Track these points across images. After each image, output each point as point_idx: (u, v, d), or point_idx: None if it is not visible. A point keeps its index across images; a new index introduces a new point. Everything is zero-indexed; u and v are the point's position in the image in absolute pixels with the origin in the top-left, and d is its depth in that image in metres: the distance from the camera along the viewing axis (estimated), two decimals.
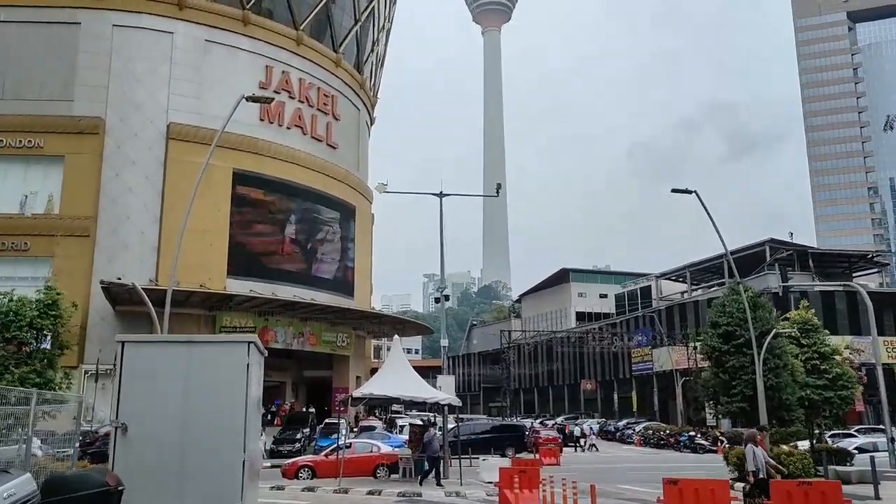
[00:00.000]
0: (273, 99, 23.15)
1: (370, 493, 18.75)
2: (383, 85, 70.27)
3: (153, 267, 43.47)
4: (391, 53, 74.49)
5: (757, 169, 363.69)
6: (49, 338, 20.31)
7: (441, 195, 24.47)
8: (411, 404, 71.28)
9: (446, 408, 22.07)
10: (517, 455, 33.29)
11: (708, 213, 23.14)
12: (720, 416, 33.24)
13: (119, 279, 40.88)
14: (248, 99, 21.28)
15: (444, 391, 21.69)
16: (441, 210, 24.24)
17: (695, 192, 22.98)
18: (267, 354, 10.42)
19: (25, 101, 43.20)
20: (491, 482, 21.97)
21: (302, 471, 23.26)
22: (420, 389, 20.86)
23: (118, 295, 41.18)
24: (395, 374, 20.72)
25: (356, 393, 20.83)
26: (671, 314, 62.75)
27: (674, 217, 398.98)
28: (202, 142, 45.54)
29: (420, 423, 30.39)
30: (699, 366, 52.46)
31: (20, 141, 42.74)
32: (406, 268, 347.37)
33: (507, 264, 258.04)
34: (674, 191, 22.82)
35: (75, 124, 43.08)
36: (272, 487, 20.16)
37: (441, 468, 19.46)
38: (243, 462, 8.74)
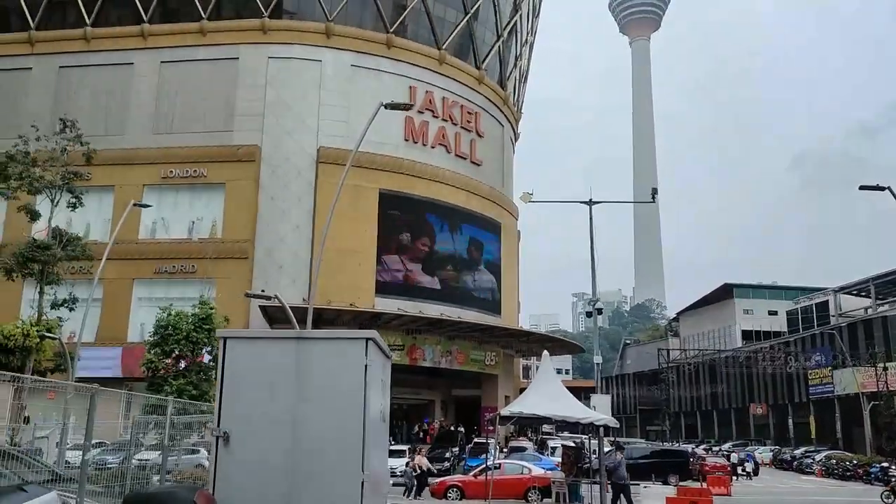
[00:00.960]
0: (412, 105, 22.85)
1: None
2: (527, 100, 69.39)
3: (305, 286, 44.77)
4: (534, 68, 73.62)
5: None
6: (204, 351, 20.80)
7: (591, 203, 22.87)
8: (563, 425, 68.85)
9: (602, 429, 20.22)
10: (681, 483, 30.50)
11: None
12: None
13: (262, 291, 42.47)
14: (386, 106, 21.00)
15: (599, 411, 19.89)
16: (591, 219, 22.69)
17: (888, 188, 19.85)
18: (393, 357, 9.24)
19: (191, 134, 46.51)
20: None
21: (451, 491, 22.31)
22: (572, 409, 19.21)
23: (274, 313, 42.68)
24: (546, 392, 19.24)
25: (504, 411, 19.55)
26: (854, 331, 56.13)
27: (846, 231, 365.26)
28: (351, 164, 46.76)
29: (573, 444, 28.56)
30: (890, 388, 46.40)
31: (187, 171, 45.92)
32: (554, 287, 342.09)
33: (661, 282, 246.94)
34: (862, 188, 19.91)
35: (234, 153, 45.64)
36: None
37: (630, 497, 17.78)
38: (361, 483, 7.38)
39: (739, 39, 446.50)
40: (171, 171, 45.95)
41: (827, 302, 74.66)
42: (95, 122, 48.23)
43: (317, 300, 43.71)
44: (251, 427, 7.83)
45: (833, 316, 71.21)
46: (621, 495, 18.09)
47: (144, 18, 48.04)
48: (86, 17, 48.46)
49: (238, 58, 47.85)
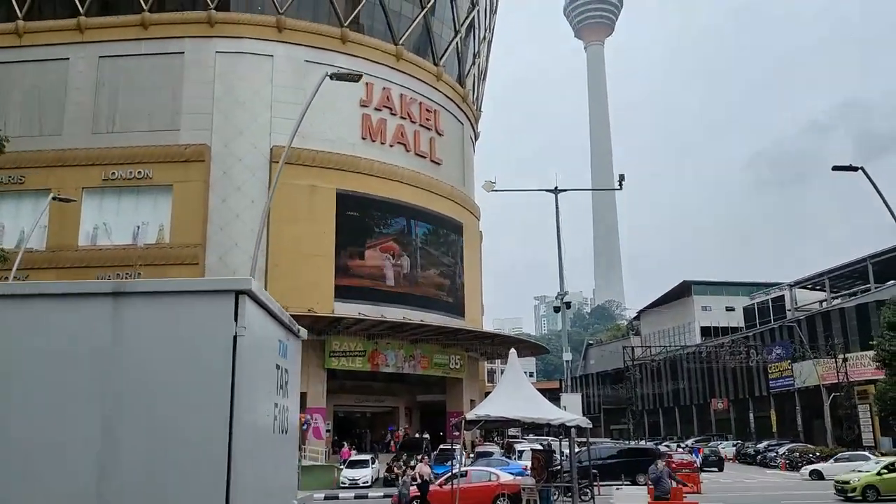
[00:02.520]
0: (361, 75, 21.52)
1: None
2: (486, 99, 68.53)
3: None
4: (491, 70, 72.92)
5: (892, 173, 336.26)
6: None
7: (556, 191, 21.91)
8: (530, 427, 67.81)
9: (573, 430, 19.22)
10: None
11: (877, 190, 19.37)
12: None
13: None
14: (332, 77, 19.69)
15: (570, 411, 18.87)
16: (557, 207, 21.74)
17: (861, 168, 19.31)
18: (303, 334, 5.76)
19: (134, 133, 44.10)
20: None
21: (413, 502, 20.98)
22: (543, 410, 18.09)
23: None
24: (514, 393, 18.09)
25: (470, 415, 18.29)
26: (813, 325, 56.53)
27: (798, 230, 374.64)
28: (305, 163, 45.25)
29: (542, 447, 27.55)
30: (850, 379, 46.66)
31: (130, 172, 43.59)
32: (515, 291, 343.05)
33: (621, 284, 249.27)
34: (835, 168, 19.32)
35: (181, 153, 43.58)
36: None
37: None
38: None
39: (693, 43, 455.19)
40: (114, 173, 43.59)
41: (783, 297, 75.48)
42: (30, 122, 45.61)
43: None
44: (24, 461, 4.14)
45: (789, 310, 71.96)
46: None
47: (81, 11, 45.49)
48: (17, 9, 45.77)
49: (183, 52, 45.63)
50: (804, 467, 36.46)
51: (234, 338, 3.94)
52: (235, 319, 4.00)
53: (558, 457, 22.79)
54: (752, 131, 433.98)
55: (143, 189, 43.91)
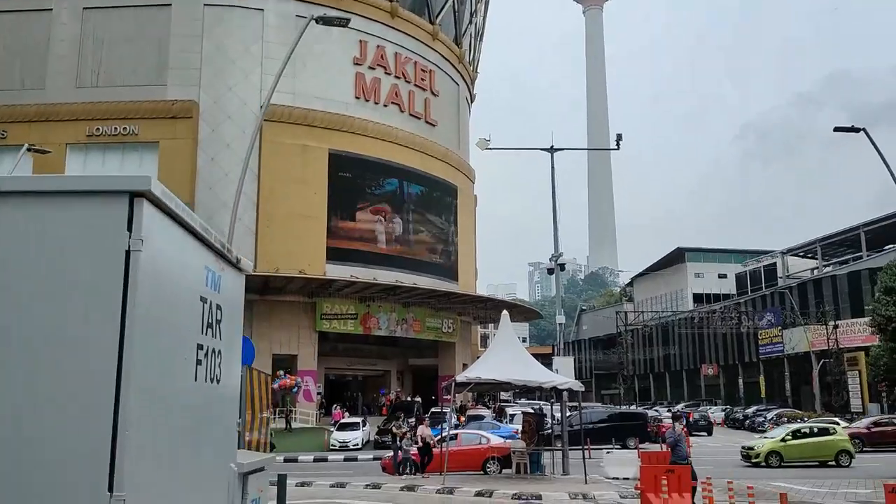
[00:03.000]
0: (349, 20, 20.61)
1: (479, 493, 15.95)
2: (482, 67, 67.27)
3: (251, 252, 42.37)
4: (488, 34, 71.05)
5: (886, 141, 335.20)
6: None
7: (552, 150, 21.29)
8: (522, 391, 67.98)
9: (565, 394, 18.95)
10: (640, 446, 29.78)
11: (878, 151, 18.85)
12: (891, 401, 28.42)
13: None
14: (318, 21, 18.87)
15: (563, 374, 18.58)
16: (552, 167, 21.10)
17: (863, 129, 18.77)
18: (246, 266, 4.14)
19: (119, 88, 42.80)
20: (617, 478, 18.81)
21: (407, 465, 20.78)
22: (535, 372, 17.79)
23: None
24: (505, 355, 17.75)
25: (460, 377, 17.95)
26: (804, 292, 56.50)
27: (788, 201, 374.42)
28: (297, 122, 44.43)
29: (533, 411, 27.41)
30: (840, 347, 46.73)
31: (115, 129, 42.49)
32: (509, 256, 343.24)
33: (615, 251, 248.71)
34: (837, 129, 18.78)
35: (168, 109, 42.53)
36: (367, 485, 17.73)
37: (695, 478, 13.47)
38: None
39: (689, 13, 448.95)
40: (98, 129, 42.53)
41: (775, 264, 75.48)
42: (11, 75, 44.24)
43: (264, 267, 41.65)
44: None
45: (781, 277, 71.99)
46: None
47: None
48: None
49: (171, 4, 44.29)
50: None
51: (127, 253, 2.79)
52: (129, 230, 2.83)
53: (549, 420, 22.55)
54: (743, 103, 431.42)
55: (128, 146, 42.89)
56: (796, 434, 25.25)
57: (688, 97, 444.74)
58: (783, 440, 24.92)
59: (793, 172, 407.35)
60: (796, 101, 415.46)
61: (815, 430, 25.72)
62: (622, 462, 19.52)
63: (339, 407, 43.87)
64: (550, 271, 21.48)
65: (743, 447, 26.54)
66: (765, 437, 26.52)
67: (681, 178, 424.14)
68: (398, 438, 20.79)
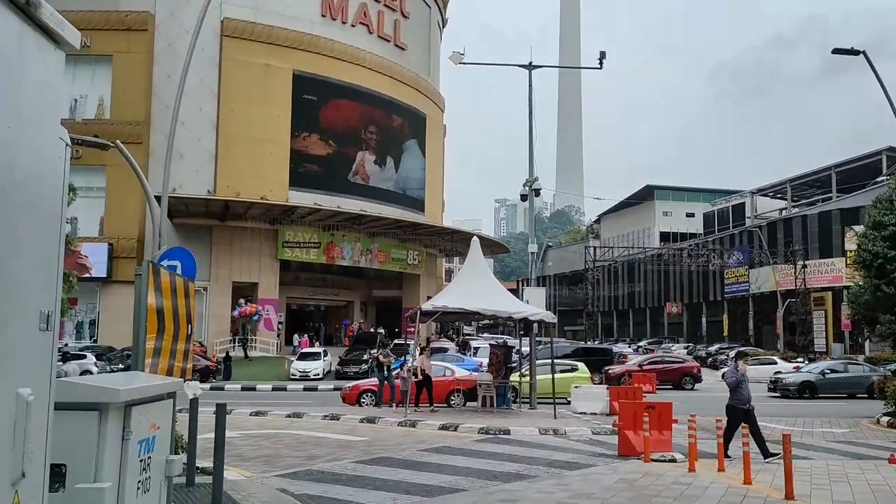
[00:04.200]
0: None
1: (444, 427, 15.26)
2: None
3: (211, 176, 40.66)
4: None
5: (857, 86, 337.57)
6: None
7: (530, 67, 19.93)
8: (485, 326, 67.72)
9: (535, 326, 18.17)
10: (607, 383, 29.55)
11: (877, 75, 17.91)
12: (875, 339, 28.29)
13: (174, 190, 38.29)
14: None
15: (533, 304, 17.73)
16: (530, 84, 19.77)
17: (863, 52, 17.75)
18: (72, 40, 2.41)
19: None
20: (585, 413, 18.28)
21: (364, 396, 20.01)
22: (505, 302, 16.89)
23: (173, 206, 38.61)
24: (474, 283, 16.79)
25: (426, 305, 16.91)
26: (773, 231, 56.56)
27: (758, 142, 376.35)
28: (259, 39, 42.17)
29: (498, 342, 26.79)
30: (807, 286, 46.99)
31: None
32: (474, 193, 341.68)
33: (581, 189, 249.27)
34: (835, 51, 17.74)
35: (122, 20, 39.88)
36: (325, 416, 16.92)
37: (758, 427, 11.52)
38: None
39: None
40: None
41: (743, 204, 75.53)
42: None
43: (224, 192, 39.92)
44: None
45: (749, 217, 72.16)
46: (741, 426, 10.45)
47: None
48: None
49: None
50: None
51: None
52: None
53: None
54: (716, 42, 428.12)
55: (79, 59, 39.94)
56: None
57: (661, 35, 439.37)
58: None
59: (764, 113, 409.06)
60: (771, 42, 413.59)
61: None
62: (589, 397, 18.94)
63: (305, 335, 43.16)
64: (524, 197, 20.42)
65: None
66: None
67: (652, 116, 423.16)
68: (385, 368, 19.36)
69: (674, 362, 33.33)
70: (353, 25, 46.42)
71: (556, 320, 16.93)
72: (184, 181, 39.78)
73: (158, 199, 38.49)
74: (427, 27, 54.98)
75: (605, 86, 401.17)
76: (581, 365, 24.34)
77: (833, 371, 27.29)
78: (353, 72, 45.21)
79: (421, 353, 19.13)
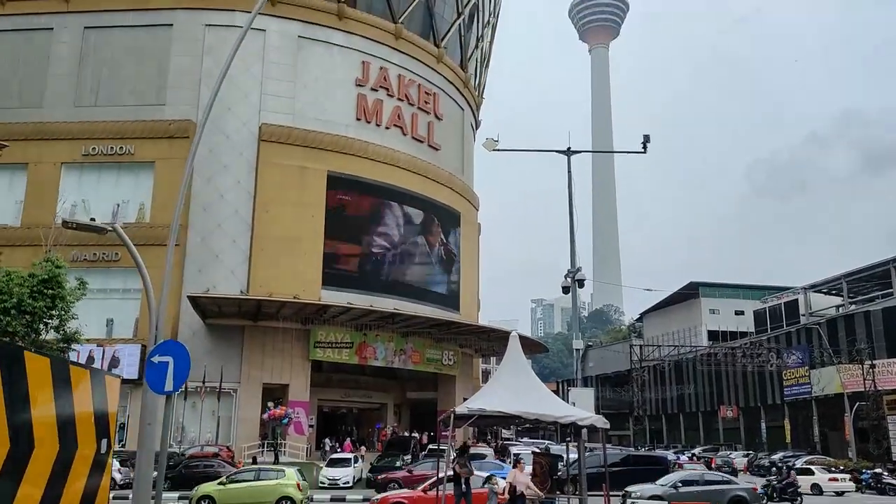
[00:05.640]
0: None
1: None
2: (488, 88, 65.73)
3: (244, 277, 40.32)
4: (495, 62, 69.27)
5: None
6: (50, 326, 15.97)
7: (569, 152, 19.12)
8: (525, 429, 64.43)
9: (584, 431, 16.25)
10: None
11: None
12: None
13: (207, 290, 37.94)
14: None
15: (580, 407, 15.87)
16: (569, 169, 18.90)
17: None
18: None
19: (119, 108, 42.08)
20: None
21: None
22: (549, 405, 15.07)
23: (206, 306, 38.14)
24: (514, 384, 15.15)
25: (461, 408, 15.10)
26: (834, 329, 53.48)
27: (799, 240, 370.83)
28: (295, 143, 42.92)
29: (539, 450, 24.64)
30: (878, 388, 43.61)
31: (112, 148, 41.34)
32: (509, 295, 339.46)
33: (619, 288, 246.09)
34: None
35: (165, 128, 41.02)
36: None
37: None
38: None
39: (694, 51, 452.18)
40: (94, 148, 41.21)
41: (795, 301, 72.42)
42: (9, 93, 43.52)
43: (257, 292, 39.38)
44: None
45: (803, 315, 68.95)
46: None
47: None
48: None
49: (172, 24, 43.28)
50: None
51: None
52: None
53: (565, 463, 19.64)
54: (749, 141, 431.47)
55: (124, 165, 41.39)
56: (233, 478, 23.33)
57: (695, 137, 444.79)
58: (221, 484, 22.84)
59: (804, 211, 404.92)
60: (807, 140, 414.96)
61: None
62: None
63: (347, 439, 41.57)
64: (566, 290, 19.04)
65: None
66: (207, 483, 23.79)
67: (685, 214, 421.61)
68: (463, 481, 16.25)
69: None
70: (387, 128, 47.06)
71: (608, 425, 15.01)
72: (218, 282, 39.51)
73: (191, 298, 38.13)
74: (460, 128, 55.63)
75: (638, 188, 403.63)
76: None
77: (687, 483, 22.60)
78: (386, 172, 45.42)
79: (515, 466, 16.07)
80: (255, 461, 31.10)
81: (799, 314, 69.52)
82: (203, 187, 41.25)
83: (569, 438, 18.88)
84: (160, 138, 41.15)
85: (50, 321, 15.67)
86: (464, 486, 16.23)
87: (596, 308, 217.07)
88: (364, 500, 23.29)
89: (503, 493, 15.10)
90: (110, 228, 10.00)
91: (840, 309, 64.32)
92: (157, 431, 9.11)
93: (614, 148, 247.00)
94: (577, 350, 20.50)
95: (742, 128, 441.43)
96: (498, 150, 19.61)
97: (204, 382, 37.18)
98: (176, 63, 42.75)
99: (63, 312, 15.89)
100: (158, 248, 39.06)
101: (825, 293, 69.67)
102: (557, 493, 16.25)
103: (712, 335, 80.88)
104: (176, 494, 24.66)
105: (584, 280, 19.28)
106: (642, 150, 19.26)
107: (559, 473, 18.58)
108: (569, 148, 19.30)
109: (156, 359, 8.71)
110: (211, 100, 12.61)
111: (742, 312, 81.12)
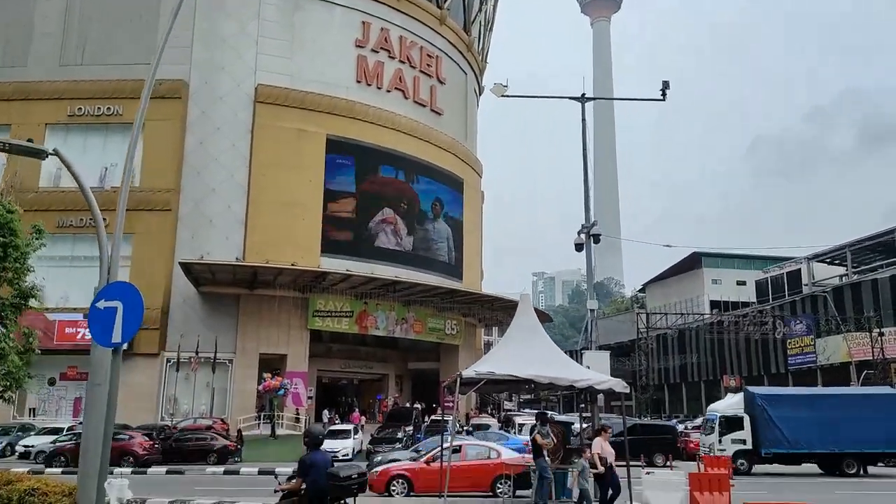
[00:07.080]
0: None
1: None
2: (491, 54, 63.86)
3: (240, 243, 39.15)
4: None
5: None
6: (2, 279, 14.65)
7: (583, 99, 17.90)
8: (527, 400, 63.40)
9: (600, 397, 15.20)
10: (671, 463, 26.10)
11: None
12: None
13: (202, 257, 36.76)
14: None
15: (595, 371, 14.75)
16: (584, 118, 17.68)
17: None
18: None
19: (105, 66, 40.34)
20: None
21: (395, 482, 17.09)
22: (564, 368, 13.97)
23: (199, 274, 36.99)
24: (525, 346, 14.04)
25: (468, 372, 13.83)
26: (840, 297, 52.48)
27: (802, 217, 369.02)
28: (293, 105, 41.47)
29: (551, 418, 23.62)
30: (885, 356, 42.79)
31: (99, 108, 39.87)
32: (511, 269, 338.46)
33: (620, 261, 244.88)
34: None
35: (155, 88, 38.36)
36: None
37: None
38: None
39: (691, 28, 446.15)
40: (80, 109, 39.77)
41: (798, 271, 71.32)
42: None
43: (254, 258, 38.22)
44: None
45: (806, 285, 67.90)
46: None
47: None
48: None
49: None
50: None
51: None
52: None
53: (580, 432, 18.42)
54: (752, 117, 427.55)
55: (112, 127, 39.88)
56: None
57: (694, 110, 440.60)
58: None
59: (804, 186, 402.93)
60: (808, 116, 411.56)
61: None
62: (666, 485, 15.48)
63: (356, 411, 40.87)
64: (579, 247, 17.89)
65: None
66: None
67: (687, 189, 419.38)
68: (545, 453, 14.39)
69: None
70: (388, 91, 45.60)
71: (627, 389, 13.84)
72: (212, 248, 38.34)
73: (183, 265, 36.77)
74: (464, 93, 54.09)
75: (637, 159, 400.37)
76: None
77: None
78: (388, 136, 44.07)
79: (598, 435, 14.08)
80: (239, 434, 30.09)
81: (801, 284, 68.50)
82: (195, 150, 39.99)
83: (582, 405, 17.77)
84: (151, 98, 39.48)
85: (2, 273, 14.36)
86: (545, 458, 14.43)
87: (597, 281, 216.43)
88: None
89: (597, 466, 13.11)
90: (51, 152, 8.69)
91: (843, 279, 63.27)
92: (104, 393, 7.90)
93: (616, 135, 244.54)
94: (592, 310, 19.27)
95: (742, 103, 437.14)
96: (506, 95, 18.35)
97: (197, 353, 36.18)
98: (166, 20, 40.87)
99: (18, 264, 14.54)
100: (150, 213, 37.98)
101: (828, 263, 68.56)
102: (573, 459, 15.01)
103: (715, 305, 79.87)
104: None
105: (599, 235, 18.03)
106: (661, 98, 18.06)
107: (569, 444, 17.53)
108: (583, 94, 18.04)
109: (101, 304, 7.25)
110: (161, 45, 11.21)
111: (744, 283, 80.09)
